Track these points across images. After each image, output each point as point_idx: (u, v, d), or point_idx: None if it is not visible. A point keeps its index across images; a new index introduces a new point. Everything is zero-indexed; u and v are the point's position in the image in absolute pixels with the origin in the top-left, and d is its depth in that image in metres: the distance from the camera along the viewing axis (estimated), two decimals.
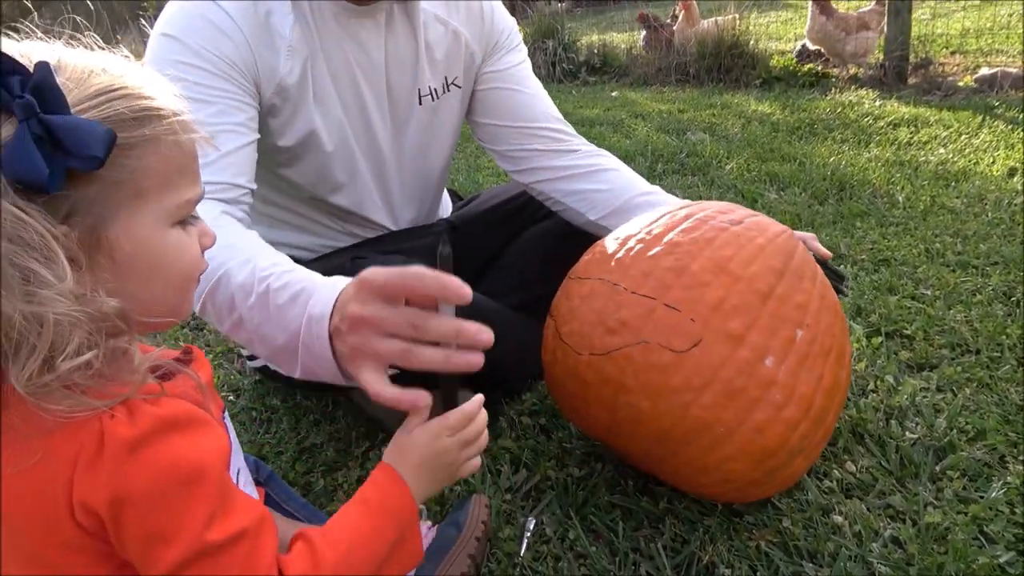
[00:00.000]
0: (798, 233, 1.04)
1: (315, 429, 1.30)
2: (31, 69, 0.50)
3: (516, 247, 1.42)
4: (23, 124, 0.49)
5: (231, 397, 1.45)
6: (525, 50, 1.37)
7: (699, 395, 0.83)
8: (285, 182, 1.22)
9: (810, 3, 3.75)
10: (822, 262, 1.03)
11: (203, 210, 0.67)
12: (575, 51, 5.11)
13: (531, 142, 1.30)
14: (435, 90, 1.25)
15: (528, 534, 1.02)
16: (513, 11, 8.48)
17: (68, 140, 0.49)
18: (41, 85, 0.50)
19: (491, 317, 1.14)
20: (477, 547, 0.95)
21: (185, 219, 0.60)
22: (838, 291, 1.02)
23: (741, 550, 0.95)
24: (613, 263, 0.93)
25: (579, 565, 0.96)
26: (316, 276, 0.83)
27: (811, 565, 0.91)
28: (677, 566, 0.94)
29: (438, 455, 0.75)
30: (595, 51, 5.07)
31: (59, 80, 0.51)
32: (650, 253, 0.91)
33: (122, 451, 0.52)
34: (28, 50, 0.54)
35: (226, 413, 0.70)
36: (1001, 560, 0.89)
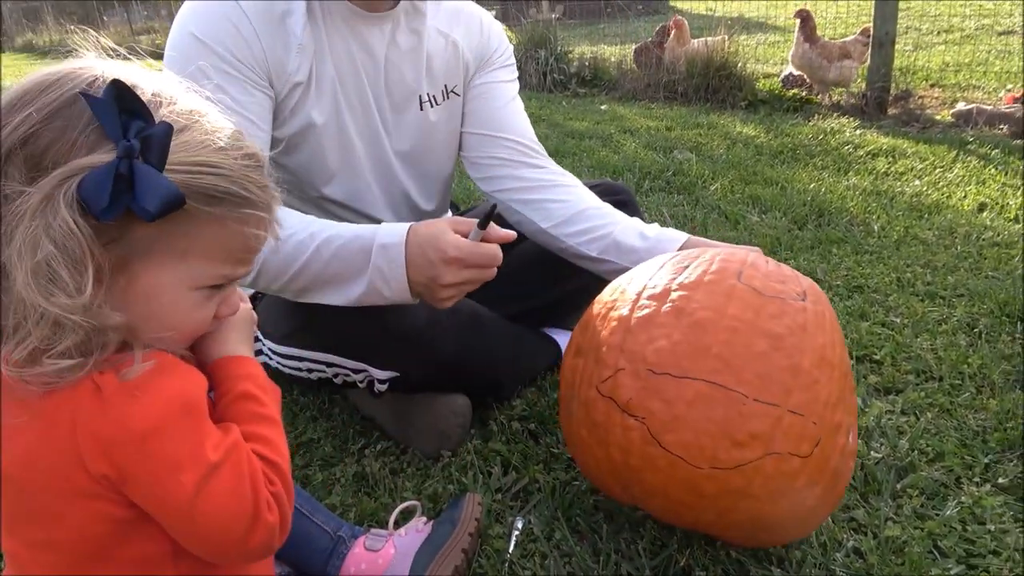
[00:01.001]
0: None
1: (312, 425, 1.35)
2: (157, 120, 0.58)
3: (513, 258, 1.48)
4: (116, 161, 0.56)
5: None
6: (516, 73, 1.43)
7: (815, 488, 0.86)
8: (280, 173, 1.26)
9: (796, 29, 3.86)
10: None
11: None
12: (567, 62, 5.19)
13: (497, 151, 1.35)
14: (434, 97, 1.31)
15: (517, 533, 1.08)
16: (506, 18, 8.54)
17: (139, 188, 0.56)
18: (152, 139, 0.57)
19: (487, 326, 1.21)
20: (470, 542, 1.01)
21: (212, 288, 0.66)
22: None
23: (715, 556, 1.02)
24: (715, 360, 0.84)
25: (564, 563, 1.03)
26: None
27: (779, 571, 0.98)
28: (656, 567, 1.01)
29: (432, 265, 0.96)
30: (586, 63, 5.16)
31: (177, 140, 0.58)
32: (755, 349, 0.85)
33: (120, 395, 0.59)
34: (181, 94, 0.63)
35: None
36: (952, 573, 0.97)
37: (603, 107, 4.42)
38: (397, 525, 1.04)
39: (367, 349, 1.15)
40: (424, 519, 1.05)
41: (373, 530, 1.02)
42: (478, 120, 1.37)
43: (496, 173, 1.35)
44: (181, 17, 1.12)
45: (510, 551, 1.05)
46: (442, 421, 1.22)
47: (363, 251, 1.03)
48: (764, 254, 1.03)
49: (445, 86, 1.33)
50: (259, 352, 1.34)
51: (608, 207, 1.31)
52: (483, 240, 1.01)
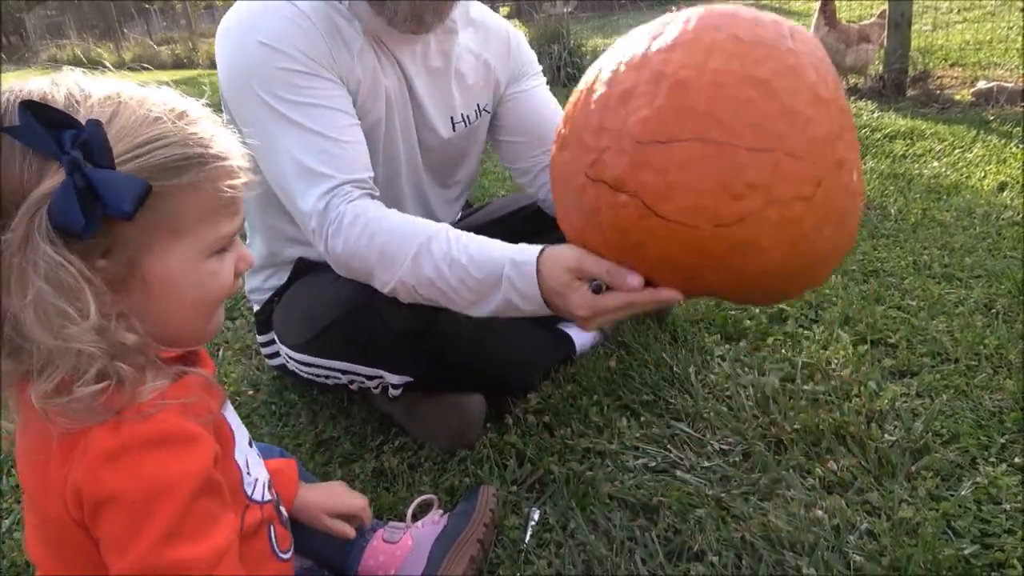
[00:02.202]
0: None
1: (332, 423, 1.39)
2: (83, 123, 0.57)
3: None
4: (69, 178, 0.56)
5: (250, 392, 1.54)
6: (543, 77, 1.46)
7: (822, 230, 0.82)
8: None
9: (817, 12, 3.82)
10: None
11: (363, 205, 0.93)
12: (580, 56, 5.18)
13: (543, 156, 1.39)
14: (467, 117, 1.34)
15: (533, 523, 1.10)
16: (519, 14, 8.50)
17: (104, 194, 0.57)
18: (90, 141, 0.57)
19: (498, 329, 1.23)
20: (485, 533, 1.03)
21: (221, 251, 0.67)
22: None
23: (728, 540, 1.03)
24: (702, 116, 0.79)
25: (579, 552, 1.04)
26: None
27: (792, 554, 0.99)
28: (669, 553, 1.02)
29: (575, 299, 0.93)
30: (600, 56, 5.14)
31: (112, 131, 0.58)
32: (745, 96, 0.79)
33: (100, 458, 0.59)
34: (92, 86, 0.62)
35: (227, 404, 0.76)
36: (966, 552, 0.97)
37: None
38: (415, 518, 1.07)
39: (382, 357, 1.17)
40: (441, 511, 1.08)
41: (391, 523, 1.05)
42: (517, 128, 1.41)
43: (545, 178, 1.37)
44: (240, 27, 1.11)
45: (526, 541, 1.07)
46: (457, 419, 1.24)
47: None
48: None
49: (478, 105, 1.37)
50: (277, 354, 1.38)
51: None
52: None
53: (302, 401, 1.46)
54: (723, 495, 1.11)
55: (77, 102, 0.60)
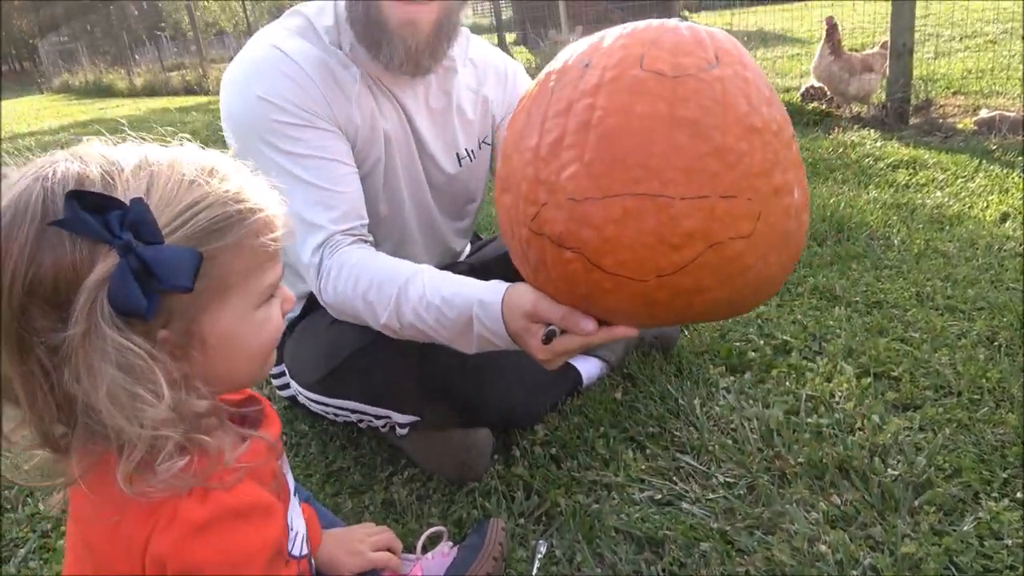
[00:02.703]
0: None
1: (342, 454, 1.41)
2: (122, 198, 0.58)
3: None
4: (123, 260, 0.56)
5: None
6: None
7: (767, 258, 0.82)
8: None
9: (822, 41, 3.87)
10: None
11: (348, 253, 0.94)
12: None
13: None
14: (471, 151, 1.38)
15: (540, 556, 1.12)
16: (524, 41, 8.60)
17: (160, 272, 0.57)
18: (137, 220, 0.58)
19: (504, 367, 1.25)
20: (494, 567, 1.05)
21: (269, 296, 0.69)
22: None
23: (733, 574, 1.04)
24: (634, 170, 0.78)
25: None
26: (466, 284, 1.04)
27: None
28: None
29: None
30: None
31: (152, 202, 0.59)
32: (674, 141, 0.77)
33: (189, 530, 0.61)
34: (120, 157, 0.63)
35: (284, 458, 0.79)
36: None
37: None
38: (425, 550, 1.09)
39: (389, 397, 1.20)
40: (450, 544, 1.10)
41: (403, 555, 1.07)
42: None
43: None
44: (238, 81, 1.15)
45: (533, 574, 1.09)
46: (464, 452, 1.27)
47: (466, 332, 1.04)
48: None
49: (479, 139, 1.41)
50: (287, 386, 1.40)
51: None
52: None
53: (312, 431, 1.48)
54: (728, 528, 1.13)
55: (113, 179, 0.60)
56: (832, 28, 3.83)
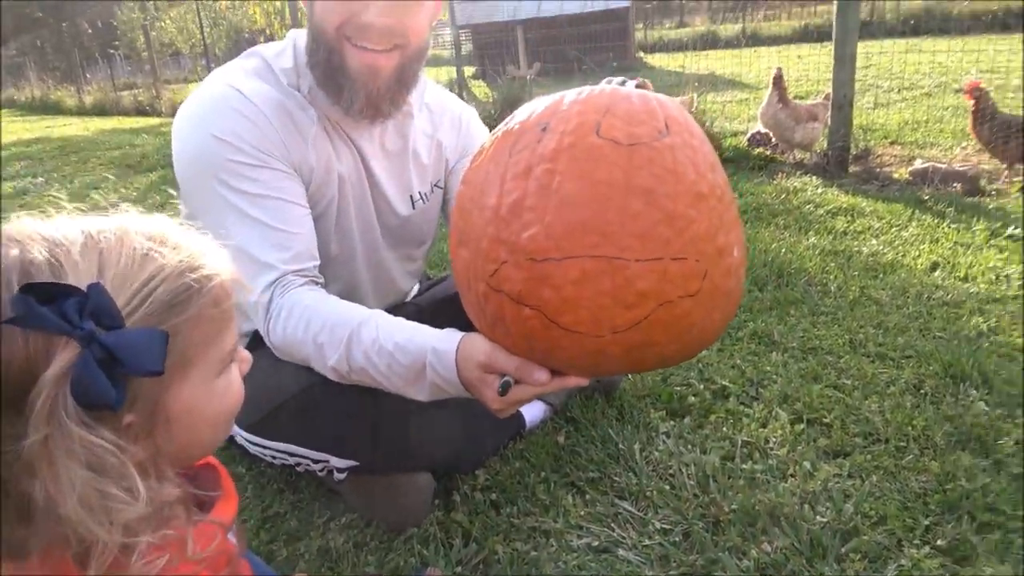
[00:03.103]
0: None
1: (278, 498, 1.39)
2: (72, 281, 0.54)
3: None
4: (87, 351, 0.52)
5: None
6: None
7: (713, 313, 0.89)
8: None
9: (770, 89, 4.02)
10: None
11: (299, 294, 0.94)
12: None
13: None
14: (424, 195, 1.40)
15: None
16: (483, 76, 8.72)
17: (126, 357, 0.53)
18: (98, 308, 0.53)
19: (445, 413, 1.25)
20: None
21: (229, 361, 0.67)
22: None
23: None
24: (591, 233, 0.83)
25: None
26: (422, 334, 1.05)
27: None
28: None
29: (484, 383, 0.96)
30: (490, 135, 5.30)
31: (106, 282, 0.55)
32: (631, 209, 0.83)
33: None
34: (62, 235, 0.57)
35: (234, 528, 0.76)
36: None
37: None
38: None
39: (328, 441, 1.19)
40: None
41: None
42: None
43: None
44: (193, 119, 1.15)
45: None
46: (404, 498, 1.26)
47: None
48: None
49: (432, 183, 1.43)
50: None
51: None
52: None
53: (249, 474, 1.46)
54: None
55: (60, 262, 0.56)
56: (779, 77, 3.99)
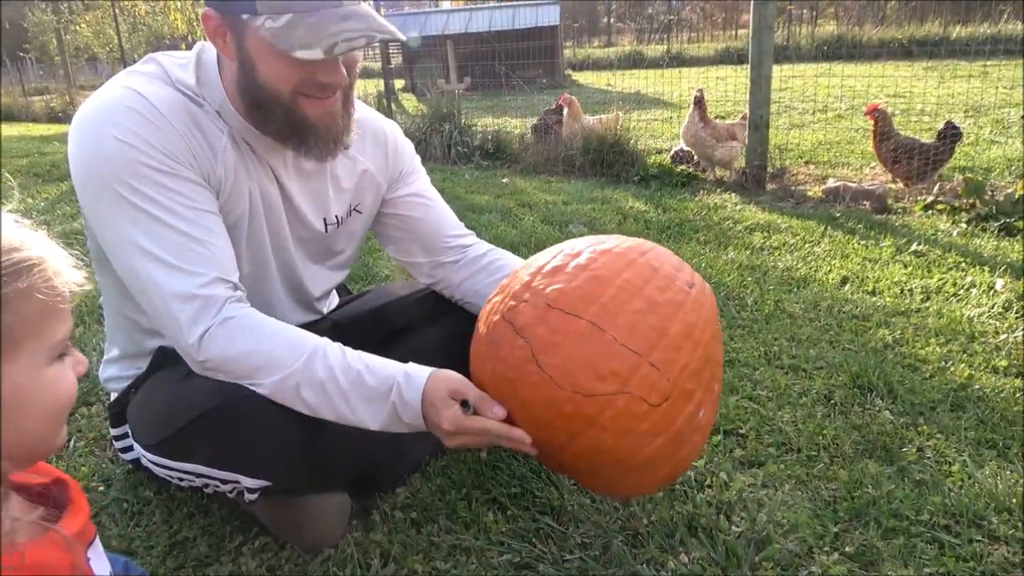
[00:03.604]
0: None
1: (188, 522, 1.33)
2: None
3: (399, 352, 1.49)
4: None
5: (100, 488, 1.45)
6: (424, 171, 1.51)
7: (656, 439, 0.99)
8: None
9: (692, 106, 4.13)
10: None
11: (244, 308, 0.91)
12: (470, 135, 5.35)
13: (439, 255, 1.45)
14: (340, 217, 1.37)
15: None
16: (413, 89, 8.71)
17: None
18: None
19: (362, 431, 1.21)
20: None
21: (61, 353, 0.66)
22: None
23: None
24: (599, 307, 0.98)
25: None
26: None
27: None
28: None
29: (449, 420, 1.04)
30: (489, 136, 5.34)
31: None
32: (634, 307, 0.99)
33: None
34: None
35: (95, 542, 0.73)
36: None
37: (504, 180, 4.56)
38: None
39: (238, 460, 1.13)
40: None
41: None
42: (403, 232, 1.46)
43: (441, 276, 1.47)
44: (90, 122, 1.09)
45: None
46: (320, 519, 1.22)
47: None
48: None
49: (351, 206, 1.40)
50: (131, 448, 1.32)
51: None
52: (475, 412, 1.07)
53: (157, 499, 1.39)
54: None
55: None
56: (700, 98, 4.11)
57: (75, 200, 4.18)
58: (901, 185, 3.77)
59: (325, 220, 1.35)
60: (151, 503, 1.39)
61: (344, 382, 1.07)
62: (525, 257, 1.52)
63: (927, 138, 3.83)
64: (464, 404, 1.06)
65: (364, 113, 1.40)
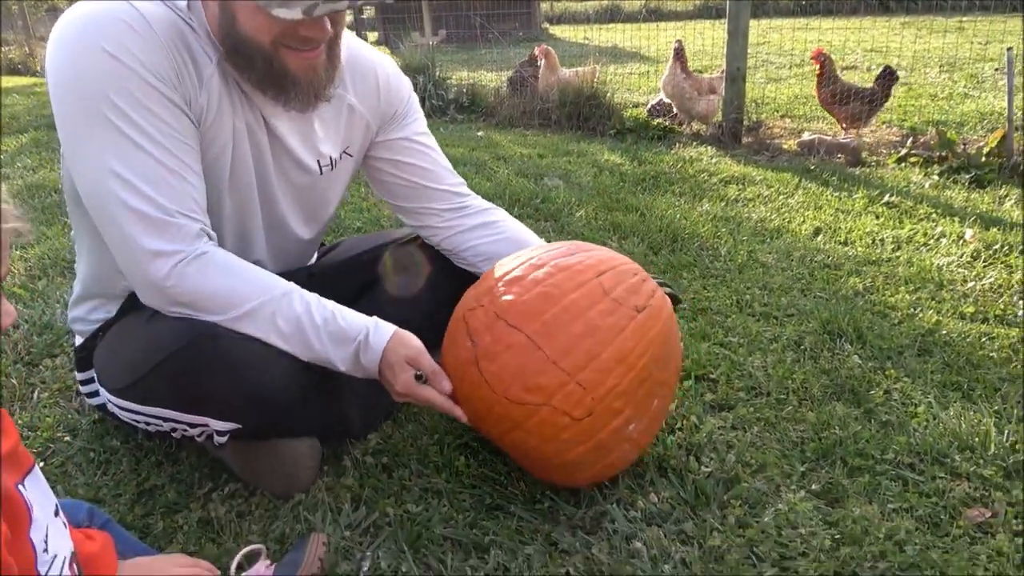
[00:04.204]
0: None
1: (156, 470, 1.31)
2: None
3: (368, 301, 1.47)
4: None
5: (67, 438, 1.43)
6: (421, 112, 1.46)
7: (578, 447, 1.09)
8: None
9: (672, 59, 4.08)
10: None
11: (216, 248, 0.90)
12: (445, 88, 5.26)
13: (432, 202, 1.43)
14: (333, 160, 1.32)
15: (365, 569, 1.09)
16: (386, 42, 8.49)
17: None
18: None
19: (334, 375, 1.20)
20: None
21: None
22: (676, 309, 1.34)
23: (554, 572, 1.06)
24: (540, 324, 1.08)
25: None
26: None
27: None
28: None
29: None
30: (464, 90, 5.25)
31: None
32: (573, 329, 1.07)
33: None
34: None
35: (33, 471, 0.72)
36: (766, 575, 1.06)
37: (480, 133, 4.50)
38: (241, 570, 1.03)
39: (205, 403, 1.12)
40: (268, 562, 1.05)
41: None
42: (397, 174, 1.42)
43: (430, 223, 1.45)
44: (82, 32, 1.02)
45: None
46: (290, 464, 1.22)
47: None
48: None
49: (341, 148, 1.34)
50: (97, 393, 1.29)
51: (533, 238, 1.46)
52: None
53: (124, 447, 1.38)
54: (552, 530, 1.15)
55: None
56: (680, 49, 4.05)
57: (36, 152, 4.07)
58: (840, 128, 3.94)
59: (319, 161, 1.30)
60: (118, 452, 1.37)
61: (318, 319, 1.11)
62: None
63: (896, 91, 3.85)
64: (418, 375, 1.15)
65: (355, 49, 1.33)
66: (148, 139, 1.05)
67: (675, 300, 1.31)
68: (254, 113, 1.20)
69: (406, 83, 1.42)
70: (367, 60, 1.35)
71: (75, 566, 0.76)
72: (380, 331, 1.14)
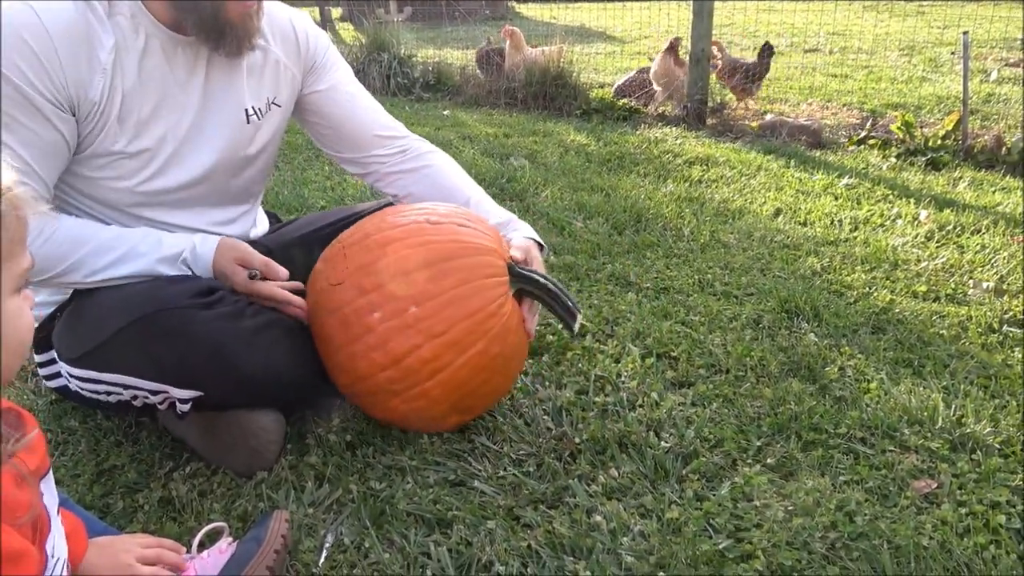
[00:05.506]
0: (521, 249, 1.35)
1: (116, 450, 1.30)
2: None
3: None
4: None
5: None
6: (344, 62, 1.49)
7: (331, 316, 1.21)
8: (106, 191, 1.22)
9: (664, 51, 4.09)
10: (554, 298, 1.30)
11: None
12: (411, 66, 5.20)
13: (371, 149, 1.48)
14: (259, 110, 1.32)
15: (328, 546, 1.10)
16: (351, 18, 8.32)
17: None
18: None
19: (299, 343, 1.21)
20: (276, 559, 1.01)
21: (21, 286, 0.66)
22: (566, 327, 1.33)
23: (516, 549, 1.08)
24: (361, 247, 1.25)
25: (372, 571, 1.06)
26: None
27: (571, 559, 1.06)
28: (460, 566, 1.06)
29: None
30: (430, 68, 5.20)
31: None
32: (376, 252, 1.22)
33: None
34: None
35: (48, 475, 0.74)
36: (721, 546, 1.09)
37: (446, 112, 4.47)
38: (203, 548, 1.03)
39: (163, 369, 1.11)
40: (230, 540, 1.04)
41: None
42: (330, 125, 1.47)
43: (373, 169, 1.51)
44: None
45: (319, 564, 1.07)
46: (253, 439, 1.21)
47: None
48: (585, 259, 1.42)
49: (267, 98, 1.34)
50: (57, 375, 1.27)
51: (472, 194, 1.51)
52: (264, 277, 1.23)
53: (83, 427, 1.36)
54: (514, 505, 1.17)
55: None
56: (675, 45, 4.08)
57: None
58: (733, 96, 4.30)
59: (247, 112, 1.30)
60: (76, 432, 1.35)
61: (151, 238, 1.19)
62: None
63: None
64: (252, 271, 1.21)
65: (269, 8, 1.34)
66: (22, 144, 1.09)
67: (570, 317, 1.33)
68: (187, 71, 1.21)
69: (324, 36, 1.46)
70: (281, 14, 1.38)
71: (68, 568, 0.76)
72: (206, 243, 1.21)
